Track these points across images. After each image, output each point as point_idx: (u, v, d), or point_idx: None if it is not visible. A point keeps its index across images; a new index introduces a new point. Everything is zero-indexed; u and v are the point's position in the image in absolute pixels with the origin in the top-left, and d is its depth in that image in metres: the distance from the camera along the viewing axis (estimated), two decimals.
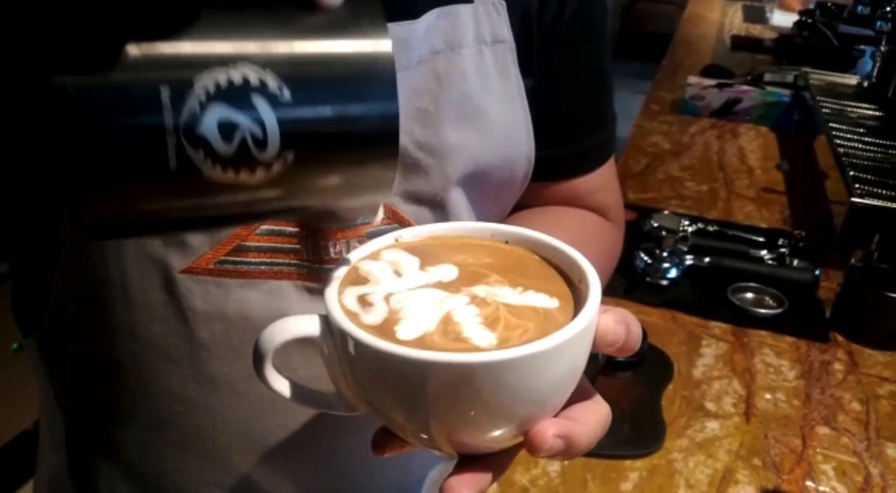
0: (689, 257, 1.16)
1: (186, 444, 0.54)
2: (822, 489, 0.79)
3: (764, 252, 1.20)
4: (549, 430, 0.34)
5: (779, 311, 1.08)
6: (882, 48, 1.71)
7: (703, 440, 0.85)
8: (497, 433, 0.35)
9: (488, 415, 0.33)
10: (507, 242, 0.41)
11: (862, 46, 1.95)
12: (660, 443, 0.83)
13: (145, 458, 0.56)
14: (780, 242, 1.21)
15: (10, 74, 0.27)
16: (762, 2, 3.15)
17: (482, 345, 0.33)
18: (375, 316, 0.35)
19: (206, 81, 0.26)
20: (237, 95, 0.27)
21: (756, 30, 2.77)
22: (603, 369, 0.84)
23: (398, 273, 0.38)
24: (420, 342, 0.33)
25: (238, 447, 0.54)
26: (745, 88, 1.87)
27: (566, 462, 0.81)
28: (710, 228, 1.27)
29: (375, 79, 0.29)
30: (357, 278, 0.38)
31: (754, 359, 1.00)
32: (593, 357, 0.78)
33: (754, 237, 1.25)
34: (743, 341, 1.03)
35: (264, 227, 0.48)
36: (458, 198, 0.53)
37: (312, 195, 0.31)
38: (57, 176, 0.27)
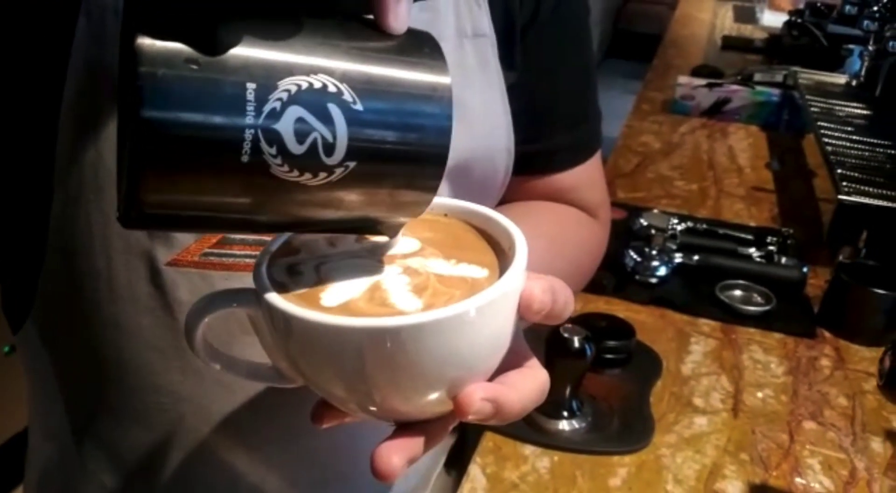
0: (678, 255, 1.17)
1: (172, 436, 0.54)
2: (808, 483, 0.80)
3: (752, 250, 1.21)
4: (476, 393, 0.34)
5: (767, 308, 1.09)
6: (870, 47, 1.72)
7: (691, 435, 0.86)
8: (426, 398, 0.35)
9: (413, 380, 0.34)
10: (445, 215, 0.42)
11: (850, 46, 1.96)
12: (648, 439, 0.84)
13: (131, 450, 0.56)
14: (769, 239, 1.22)
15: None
16: (752, 2, 3.17)
17: (406, 311, 0.33)
18: (302, 285, 0.35)
19: (290, 83, 0.28)
20: (316, 100, 0.29)
21: (747, 30, 2.78)
22: (591, 366, 0.84)
23: (332, 244, 0.39)
24: (343, 308, 0.34)
25: (224, 439, 0.54)
26: (734, 87, 1.88)
27: (556, 459, 0.81)
28: (700, 227, 1.28)
29: (435, 104, 0.32)
30: (290, 250, 0.38)
31: (742, 356, 1.00)
32: (582, 354, 0.79)
33: (743, 235, 1.25)
34: (731, 338, 1.04)
35: None
36: (441, 192, 0.53)
37: (357, 207, 0.32)
38: (125, 153, 0.27)
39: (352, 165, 0.30)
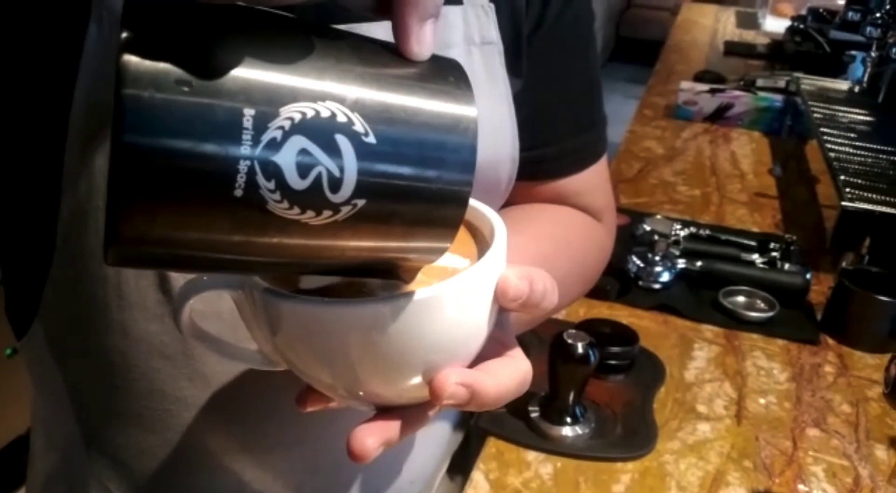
0: (681, 261, 1.17)
1: (178, 443, 0.54)
2: (812, 490, 0.80)
3: (755, 256, 1.21)
4: (450, 377, 0.34)
5: (770, 314, 1.09)
6: (872, 54, 1.73)
7: (695, 442, 0.85)
8: (402, 382, 0.35)
9: (387, 363, 0.34)
10: None
11: (853, 52, 1.96)
12: (651, 445, 0.84)
13: (137, 457, 0.56)
14: (772, 246, 1.22)
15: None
16: (755, 8, 3.17)
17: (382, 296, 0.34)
18: None
19: (293, 111, 0.25)
20: (322, 129, 0.26)
21: (749, 35, 2.79)
22: (595, 372, 0.84)
23: None
24: (322, 293, 0.34)
25: (230, 446, 0.54)
26: (737, 93, 1.88)
27: (559, 465, 0.81)
28: (703, 233, 1.28)
29: (459, 138, 0.29)
30: None
31: (746, 362, 1.00)
32: (585, 360, 0.79)
33: (746, 241, 1.26)
34: (734, 345, 1.04)
35: None
36: None
37: (365, 250, 0.30)
38: (113, 181, 0.25)
39: (361, 203, 0.27)
